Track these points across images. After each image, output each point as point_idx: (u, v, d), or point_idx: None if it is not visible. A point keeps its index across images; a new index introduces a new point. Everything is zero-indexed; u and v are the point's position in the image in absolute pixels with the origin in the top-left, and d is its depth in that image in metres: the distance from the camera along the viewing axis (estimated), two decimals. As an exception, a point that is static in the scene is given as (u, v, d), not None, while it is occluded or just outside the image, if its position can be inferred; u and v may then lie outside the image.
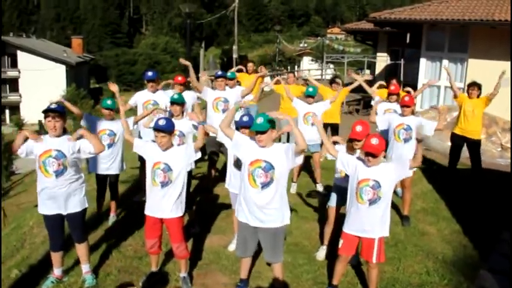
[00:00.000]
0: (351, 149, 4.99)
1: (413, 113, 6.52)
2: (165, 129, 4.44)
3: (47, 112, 4.39)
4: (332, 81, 8.95)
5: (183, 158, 4.60)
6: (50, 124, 4.40)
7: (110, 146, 6.08)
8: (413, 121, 6.39)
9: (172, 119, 5.66)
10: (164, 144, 4.48)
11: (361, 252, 4.59)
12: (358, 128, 4.77)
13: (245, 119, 4.97)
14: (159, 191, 4.55)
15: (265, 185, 4.18)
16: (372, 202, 4.33)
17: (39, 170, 4.50)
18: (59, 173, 4.48)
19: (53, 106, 4.42)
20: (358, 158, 4.56)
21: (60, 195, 4.54)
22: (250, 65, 10.15)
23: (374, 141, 4.19)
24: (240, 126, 5.01)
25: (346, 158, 4.59)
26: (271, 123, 4.13)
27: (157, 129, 4.43)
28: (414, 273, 5.27)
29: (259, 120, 4.10)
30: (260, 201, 4.22)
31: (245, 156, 4.28)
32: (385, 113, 7.15)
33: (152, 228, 4.68)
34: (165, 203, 4.57)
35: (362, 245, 4.53)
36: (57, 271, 4.85)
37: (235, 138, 4.35)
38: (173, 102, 5.77)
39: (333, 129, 8.73)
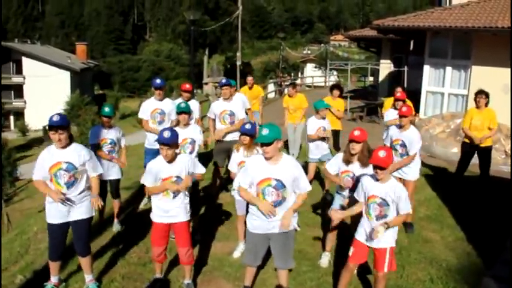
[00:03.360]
0: (348, 154, 5.06)
1: (412, 122, 6.45)
2: (169, 143, 4.46)
3: (50, 126, 4.40)
4: (332, 89, 9.07)
5: (187, 166, 4.65)
6: (55, 137, 4.41)
7: (110, 152, 6.21)
8: (409, 138, 6.21)
9: (177, 128, 5.71)
10: (169, 156, 4.51)
11: (374, 262, 4.53)
12: (356, 132, 4.95)
13: (247, 126, 5.02)
14: (171, 201, 4.62)
15: (277, 204, 4.19)
16: (378, 218, 4.35)
17: (50, 182, 4.51)
18: (70, 184, 4.52)
19: (55, 118, 4.40)
20: (366, 176, 4.56)
21: (70, 204, 4.57)
22: (249, 79, 10.19)
23: (381, 153, 4.16)
24: (241, 133, 5.09)
25: (359, 189, 4.57)
26: (277, 134, 4.06)
27: (162, 143, 4.46)
28: (418, 281, 5.26)
29: (265, 131, 4.02)
30: (274, 217, 4.23)
31: (254, 176, 4.22)
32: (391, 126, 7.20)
33: (160, 235, 4.71)
34: (175, 209, 4.65)
35: (374, 255, 4.50)
36: (54, 278, 4.84)
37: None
38: (181, 111, 5.84)
39: (334, 134, 8.93)
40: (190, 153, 5.79)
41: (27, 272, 5.43)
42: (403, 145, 6.26)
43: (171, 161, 4.56)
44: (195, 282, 5.04)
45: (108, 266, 5.39)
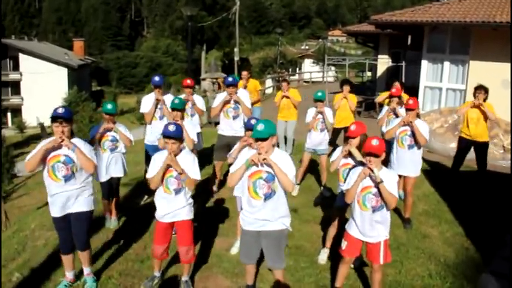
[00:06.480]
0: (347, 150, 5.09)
1: (418, 116, 6.44)
2: (174, 136, 4.44)
3: (54, 118, 4.38)
4: (342, 84, 9.01)
5: (190, 163, 4.60)
6: (58, 129, 4.38)
7: (112, 150, 6.16)
8: (418, 127, 6.19)
9: None
10: (175, 150, 4.48)
11: (367, 254, 4.57)
12: (353, 127, 5.06)
13: (253, 121, 5.00)
14: (174, 198, 4.58)
15: (268, 196, 4.17)
16: (375, 209, 4.32)
17: (47, 174, 4.48)
18: (67, 178, 4.50)
19: (60, 110, 4.38)
20: (359, 165, 4.53)
21: (69, 197, 4.55)
22: (244, 73, 10.22)
23: (374, 142, 4.21)
24: (246, 128, 5.17)
25: (351, 176, 4.52)
26: (272, 130, 4.07)
27: (167, 136, 4.43)
28: (416, 276, 5.26)
29: (260, 127, 4.02)
30: (265, 214, 4.20)
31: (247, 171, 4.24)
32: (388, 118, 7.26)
33: (164, 234, 4.68)
34: (179, 207, 4.61)
35: (367, 248, 4.51)
36: (69, 274, 4.84)
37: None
38: (174, 108, 6.00)
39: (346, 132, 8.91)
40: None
41: (24, 269, 5.40)
42: (412, 135, 6.23)
43: (175, 155, 4.53)
44: (193, 279, 5.03)
45: (105, 262, 5.37)
